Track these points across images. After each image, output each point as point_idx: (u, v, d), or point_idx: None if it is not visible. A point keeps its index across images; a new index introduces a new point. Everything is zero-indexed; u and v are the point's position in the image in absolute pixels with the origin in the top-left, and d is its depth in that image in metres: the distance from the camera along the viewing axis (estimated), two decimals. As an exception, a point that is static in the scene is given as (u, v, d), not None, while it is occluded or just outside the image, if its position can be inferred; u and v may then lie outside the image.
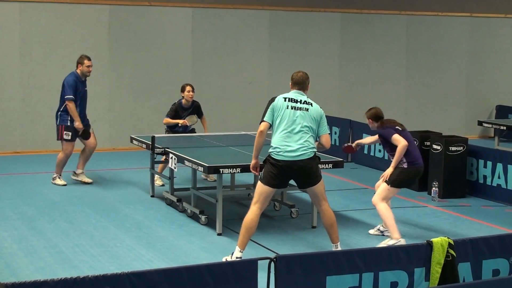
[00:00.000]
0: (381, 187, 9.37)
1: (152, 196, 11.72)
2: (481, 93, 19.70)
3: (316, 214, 10.06)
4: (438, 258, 6.71)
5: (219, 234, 9.57)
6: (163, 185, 12.35)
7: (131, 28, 16.24)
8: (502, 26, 19.76)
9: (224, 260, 8.17)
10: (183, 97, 12.65)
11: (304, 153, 8.31)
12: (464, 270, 6.90)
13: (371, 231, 9.82)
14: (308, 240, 9.47)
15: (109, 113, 16.18)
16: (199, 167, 9.53)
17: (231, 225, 9.96)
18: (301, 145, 8.31)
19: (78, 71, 12.42)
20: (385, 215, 9.21)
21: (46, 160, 14.75)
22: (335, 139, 15.70)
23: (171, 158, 10.46)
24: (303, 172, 8.39)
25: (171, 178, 11.15)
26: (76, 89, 12.34)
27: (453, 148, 12.08)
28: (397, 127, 9.46)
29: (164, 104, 16.51)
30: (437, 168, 12.13)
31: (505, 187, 11.78)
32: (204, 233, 9.67)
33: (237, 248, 8.31)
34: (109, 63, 16.05)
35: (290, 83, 8.65)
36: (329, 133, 8.61)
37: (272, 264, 6.11)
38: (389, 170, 9.28)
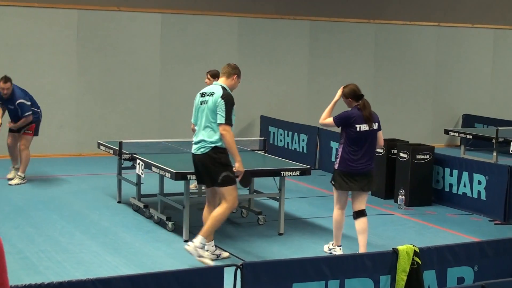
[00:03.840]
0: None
1: (119, 202, 11.66)
2: (447, 102, 19.84)
3: (283, 222, 10.06)
4: (403, 266, 6.72)
5: (185, 241, 9.49)
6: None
7: (100, 33, 16.16)
8: (469, 36, 19.93)
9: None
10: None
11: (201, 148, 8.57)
12: (429, 277, 6.92)
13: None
14: (274, 247, 9.45)
15: (76, 118, 16.08)
16: (167, 173, 9.50)
17: (198, 232, 9.91)
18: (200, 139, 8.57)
19: None
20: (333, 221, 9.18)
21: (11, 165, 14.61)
22: (302, 146, 15.73)
23: (138, 164, 10.42)
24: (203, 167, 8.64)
25: (138, 184, 11.11)
26: None
27: (420, 157, 12.14)
28: (359, 125, 8.71)
29: (132, 109, 16.50)
30: (404, 176, 12.20)
31: (471, 196, 11.85)
32: (170, 240, 9.64)
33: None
34: (77, 68, 15.95)
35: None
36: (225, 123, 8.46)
37: (239, 271, 6.08)
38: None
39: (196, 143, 8.61)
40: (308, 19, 18.08)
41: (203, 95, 8.66)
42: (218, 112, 8.43)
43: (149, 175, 11.33)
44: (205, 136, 8.50)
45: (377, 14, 18.83)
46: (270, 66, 17.76)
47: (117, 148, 11.03)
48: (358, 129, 8.69)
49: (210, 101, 8.49)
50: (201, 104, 8.61)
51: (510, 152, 14.15)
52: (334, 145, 14.80)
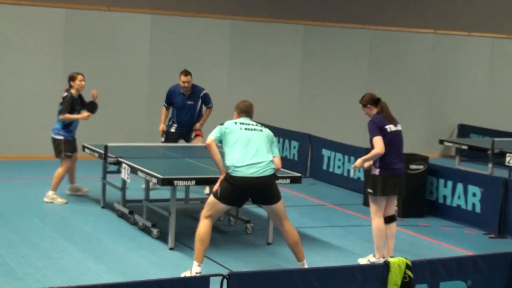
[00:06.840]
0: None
1: (103, 207, 11.50)
2: (443, 111, 19.71)
3: (272, 231, 9.92)
4: (395, 279, 6.60)
5: (171, 249, 9.37)
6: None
7: (88, 33, 15.97)
8: (466, 44, 19.82)
9: (183, 275, 7.96)
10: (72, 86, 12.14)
11: (265, 170, 8.24)
12: (421, 292, 6.83)
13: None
14: (262, 257, 9.32)
15: (63, 119, 15.81)
16: (153, 178, 9.30)
17: (184, 240, 9.72)
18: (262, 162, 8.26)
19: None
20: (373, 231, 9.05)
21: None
22: (293, 154, 15.52)
23: (124, 168, 10.23)
24: (263, 189, 8.27)
25: (123, 189, 10.94)
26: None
27: (414, 167, 11.97)
28: (387, 126, 8.94)
29: (119, 112, 16.26)
30: (397, 186, 11.99)
31: (465, 208, 11.71)
32: (155, 247, 9.46)
33: (195, 263, 8.10)
34: (64, 68, 15.68)
35: (236, 112, 8.75)
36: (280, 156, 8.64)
37: (225, 281, 5.97)
38: (359, 161, 8.96)
39: (256, 163, 8.20)
40: (302, 23, 17.93)
41: (242, 124, 8.51)
42: (274, 148, 8.52)
43: (135, 180, 11.15)
44: (269, 157, 8.33)
45: (372, 20, 18.68)
46: (261, 70, 17.57)
47: (103, 152, 10.88)
48: (389, 130, 8.91)
49: (266, 132, 8.50)
50: (247, 130, 8.41)
51: (506, 164, 13.94)
52: (326, 153, 14.66)
